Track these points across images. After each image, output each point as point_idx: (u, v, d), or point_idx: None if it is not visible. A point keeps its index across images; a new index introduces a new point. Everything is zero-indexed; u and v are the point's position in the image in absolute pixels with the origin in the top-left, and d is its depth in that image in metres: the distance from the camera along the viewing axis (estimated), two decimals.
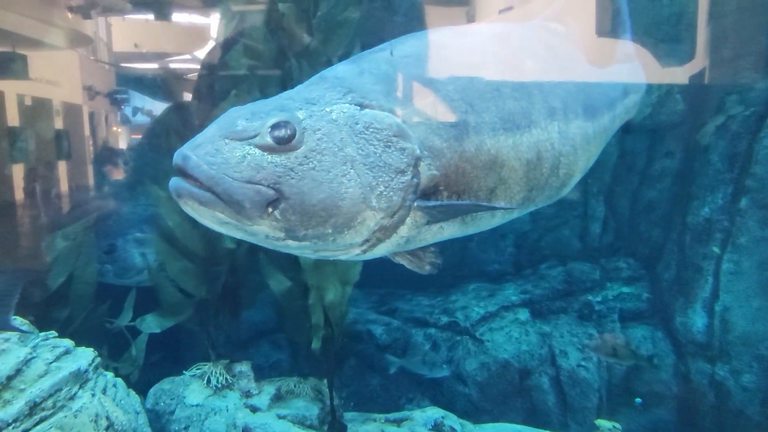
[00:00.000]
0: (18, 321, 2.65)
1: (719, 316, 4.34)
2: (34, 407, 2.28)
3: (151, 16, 5.13)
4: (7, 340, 2.55)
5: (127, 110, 5.95)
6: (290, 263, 4.07)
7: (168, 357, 4.37)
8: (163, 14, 4.99)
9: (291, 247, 1.90)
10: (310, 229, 1.82)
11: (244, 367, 4.02)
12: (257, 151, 1.77)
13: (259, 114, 1.82)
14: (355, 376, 5.13)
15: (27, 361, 2.42)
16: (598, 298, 5.02)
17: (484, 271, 5.76)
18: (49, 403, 2.35)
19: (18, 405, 2.24)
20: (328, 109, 1.89)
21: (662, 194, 5.20)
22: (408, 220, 2.00)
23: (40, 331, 2.86)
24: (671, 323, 4.69)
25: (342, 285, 3.95)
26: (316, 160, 1.80)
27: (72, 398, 2.44)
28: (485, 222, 2.33)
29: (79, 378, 2.55)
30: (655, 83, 4.59)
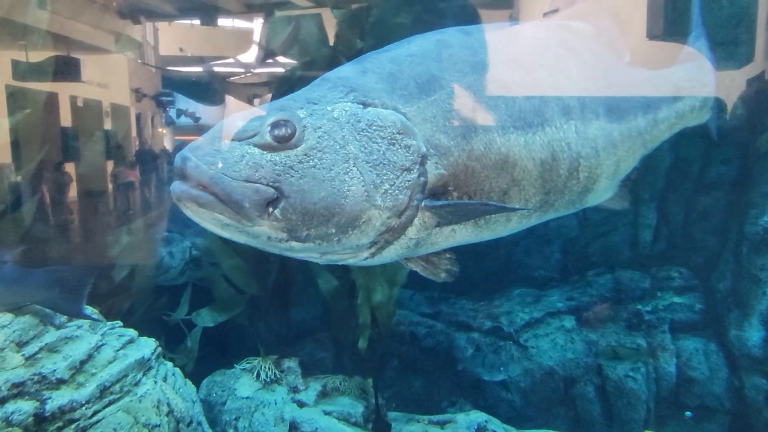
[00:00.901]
0: (89, 310, 2.83)
1: None
2: (104, 390, 2.45)
3: (197, 21, 5.32)
4: (79, 327, 2.74)
5: (172, 112, 6.17)
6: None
7: (217, 350, 4.54)
8: (208, 19, 5.17)
9: (295, 249, 1.86)
10: (313, 229, 1.79)
11: (292, 363, 4.14)
12: (256, 150, 1.76)
13: (257, 113, 1.82)
14: (398, 377, 5.18)
15: (97, 348, 2.60)
16: (648, 308, 4.90)
17: (530, 277, 5.71)
18: (117, 387, 2.51)
19: (90, 388, 2.41)
20: (329, 108, 1.87)
21: (718, 202, 5.03)
22: (416, 221, 1.96)
23: (106, 320, 3.05)
24: (725, 336, 4.53)
25: (390, 286, 4.01)
26: (317, 158, 1.78)
27: (137, 384, 2.60)
28: (501, 227, 2.25)
29: (143, 366, 2.71)
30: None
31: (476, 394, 4.95)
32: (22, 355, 2.42)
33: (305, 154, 1.77)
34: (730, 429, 4.34)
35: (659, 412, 4.49)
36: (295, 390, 4.00)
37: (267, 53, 4.22)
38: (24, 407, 2.28)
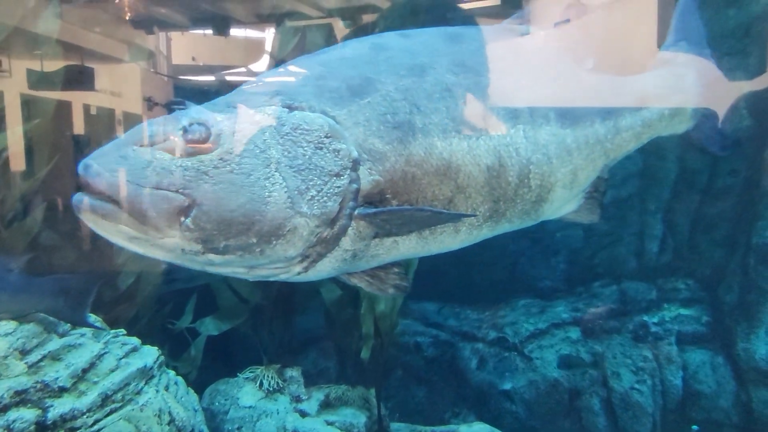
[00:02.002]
0: (92, 318, 2.85)
1: None
2: (105, 399, 2.46)
3: (209, 31, 5.38)
4: (82, 335, 2.76)
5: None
6: None
7: (221, 359, 4.55)
8: (220, 29, 5.22)
9: (216, 263, 1.72)
10: (232, 239, 1.65)
11: (294, 372, 4.13)
12: (166, 155, 1.63)
13: (171, 118, 1.71)
14: (401, 387, 5.17)
15: (100, 356, 2.61)
16: (655, 319, 4.86)
17: (535, 287, 5.68)
18: (119, 396, 2.52)
19: (92, 396, 2.43)
20: (251, 112, 1.77)
21: (725, 213, 4.99)
22: (351, 231, 1.85)
23: (110, 328, 3.07)
24: (733, 348, 4.48)
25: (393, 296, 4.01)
26: (234, 163, 1.66)
27: (139, 393, 2.61)
28: (449, 238, 2.15)
29: (145, 374, 2.72)
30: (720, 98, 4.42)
31: (480, 406, 4.92)
32: (25, 362, 2.44)
33: (221, 159, 1.66)
34: None
35: (665, 425, 4.45)
36: (297, 399, 3.99)
37: (278, 63, 4.26)
38: (26, 415, 2.29)
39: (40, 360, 2.51)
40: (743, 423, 4.27)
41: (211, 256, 1.68)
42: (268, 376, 4.00)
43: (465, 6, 4.50)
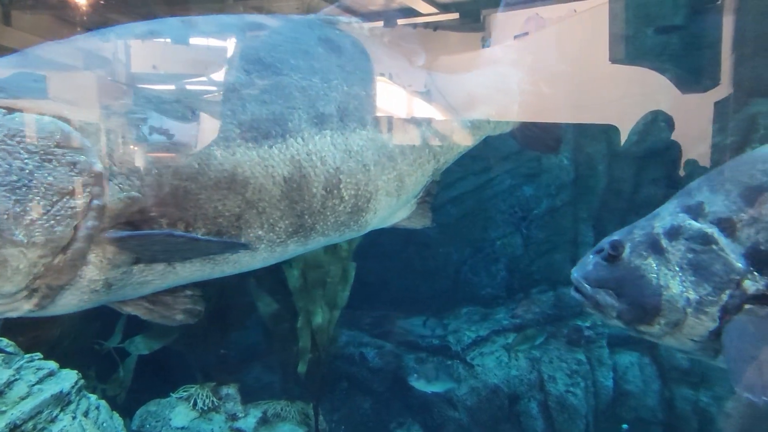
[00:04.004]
0: (3, 342, 2.70)
1: None
2: (14, 429, 2.32)
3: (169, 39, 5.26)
4: None
5: (144, 129, 6.03)
6: (279, 286, 4.12)
7: (159, 379, 4.40)
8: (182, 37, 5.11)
9: None
10: None
11: (230, 389, 4.04)
12: None
13: None
14: (347, 399, 5.13)
15: (9, 383, 2.46)
16: (587, 324, 5.03)
17: (477, 295, 5.79)
18: (30, 425, 2.38)
19: None
20: None
21: None
22: (94, 258, 1.58)
23: (28, 352, 2.91)
24: (656, 349, 4.71)
25: (330, 309, 4.00)
26: None
27: (53, 421, 2.48)
28: (245, 257, 1.93)
29: (61, 400, 2.59)
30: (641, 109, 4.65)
31: (424, 414, 4.95)
32: None
33: None
34: None
35: (598, 425, 4.60)
36: (233, 417, 3.90)
37: None
38: None
39: None
40: (667, 420, 4.47)
41: None
42: (202, 395, 3.89)
43: (424, 19, 4.56)
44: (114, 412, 3.19)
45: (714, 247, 1.68)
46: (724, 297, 1.64)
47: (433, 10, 4.12)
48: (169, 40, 1.88)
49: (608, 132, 5.26)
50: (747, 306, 1.60)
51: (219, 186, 1.74)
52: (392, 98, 2.31)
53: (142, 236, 1.62)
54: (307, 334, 3.90)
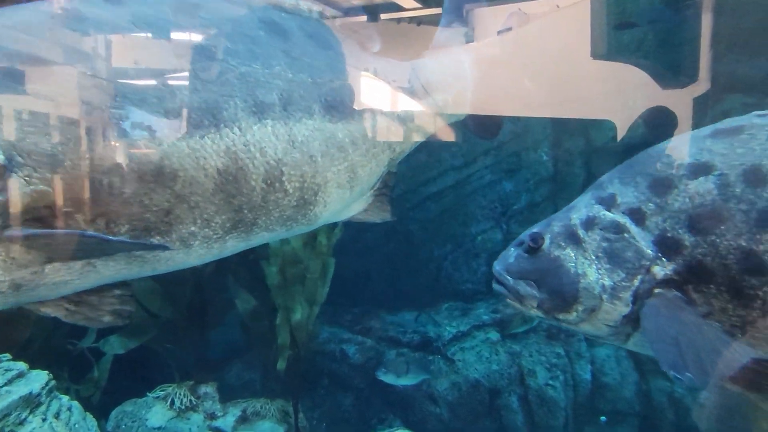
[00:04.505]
0: None
1: None
2: None
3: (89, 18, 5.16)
4: None
5: (126, 125, 5.91)
6: (257, 282, 4.07)
7: (136, 379, 4.32)
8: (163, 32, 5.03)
9: None
10: None
11: (209, 388, 3.99)
12: None
13: None
14: (327, 396, 5.11)
15: None
16: None
17: (458, 291, 5.80)
18: None
19: None
20: None
21: None
22: None
23: None
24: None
25: (309, 305, 3.96)
26: None
27: (21, 423, 2.41)
28: (179, 255, 1.81)
29: (30, 402, 2.52)
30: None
31: (405, 410, 4.95)
32: None
33: None
34: (640, 431, 4.55)
35: (577, 418, 4.65)
36: (212, 416, 3.85)
37: None
38: None
39: None
40: (644, 411, 4.55)
41: None
42: (179, 394, 3.83)
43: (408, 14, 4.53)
44: (87, 413, 3.12)
45: (626, 235, 1.76)
46: (636, 282, 1.72)
47: (417, 5, 4.11)
48: (90, 18, 1.69)
49: (587, 128, 5.30)
50: (657, 290, 1.69)
51: (144, 179, 1.63)
52: (342, 86, 2.16)
53: (46, 235, 1.50)
54: (286, 331, 3.86)
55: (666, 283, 1.69)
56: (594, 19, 3.67)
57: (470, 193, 5.59)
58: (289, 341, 3.86)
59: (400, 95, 2.41)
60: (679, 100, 4.54)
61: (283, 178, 1.91)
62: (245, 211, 1.85)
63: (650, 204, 1.75)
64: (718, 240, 1.60)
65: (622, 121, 5.03)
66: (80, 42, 1.61)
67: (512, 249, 2.05)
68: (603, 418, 4.60)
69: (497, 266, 2.04)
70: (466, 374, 4.85)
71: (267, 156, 1.86)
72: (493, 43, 2.98)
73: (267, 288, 3.93)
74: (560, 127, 5.37)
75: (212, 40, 1.87)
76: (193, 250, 1.83)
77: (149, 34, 1.75)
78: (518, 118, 5.31)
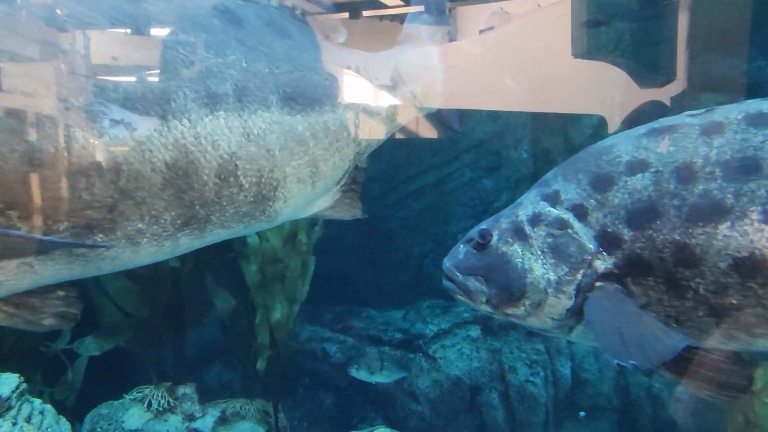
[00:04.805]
0: None
1: None
2: None
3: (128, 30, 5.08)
4: None
5: (105, 122, 5.79)
6: (236, 281, 4.02)
7: (112, 381, 4.24)
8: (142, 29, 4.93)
9: None
10: None
11: (187, 389, 3.93)
12: None
13: None
14: (309, 395, 5.08)
15: None
16: None
17: (439, 288, 5.79)
18: None
19: None
20: None
21: None
22: None
23: None
24: None
25: (289, 303, 3.93)
26: None
27: None
28: (127, 253, 1.73)
29: (0, 406, 2.45)
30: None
31: (387, 409, 4.94)
32: None
33: None
34: (619, 426, 4.62)
35: (557, 413, 4.69)
36: (191, 418, 3.79)
37: None
38: None
39: None
40: (622, 406, 4.61)
41: None
42: (157, 396, 3.76)
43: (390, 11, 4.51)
44: (61, 416, 3.04)
45: (570, 231, 1.80)
46: (579, 276, 1.76)
47: (399, 2, 4.10)
48: (28, 4, 1.60)
49: (566, 126, 5.35)
50: (598, 284, 1.75)
51: (83, 173, 1.54)
52: (302, 76, 2.06)
53: None
54: (266, 330, 3.82)
55: (607, 276, 1.73)
56: (573, 17, 3.70)
57: (451, 191, 5.60)
58: (269, 340, 3.82)
59: (366, 87, 2.33)
60: (657, 99, 4.61)
61: (238, 173, 1.83)
62: (197, 207, 1.77)
63: (592, 200, 1.80)
64: (654, 234, 1.65)
65: (607, 118, 5.08)
66: (14, 27, 1.51)
67: (461, 246, 2.07)
68: (582, 413, 4.65)
69: (447, 263, 2.07)
70: (447, 372, 4.86)
71: (220, 149, 1.77)
72: (473, 42, 2.98)
73: (246, 287, 3.89)
74: (539, 125, 5.42)
75: (161, 27, 1.79)
76: (141, 249, 1.75)
77: (92, 20, 1.66)
78: (498, 117, 5.33)
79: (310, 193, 2.13)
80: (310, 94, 2.04)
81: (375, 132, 2.34)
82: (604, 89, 3.93)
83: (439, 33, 2.79)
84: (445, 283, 2.09)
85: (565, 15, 3.52)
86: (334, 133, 2.12)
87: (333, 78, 2.16)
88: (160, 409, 3.74)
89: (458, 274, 2.00)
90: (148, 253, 1.79)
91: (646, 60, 4.70)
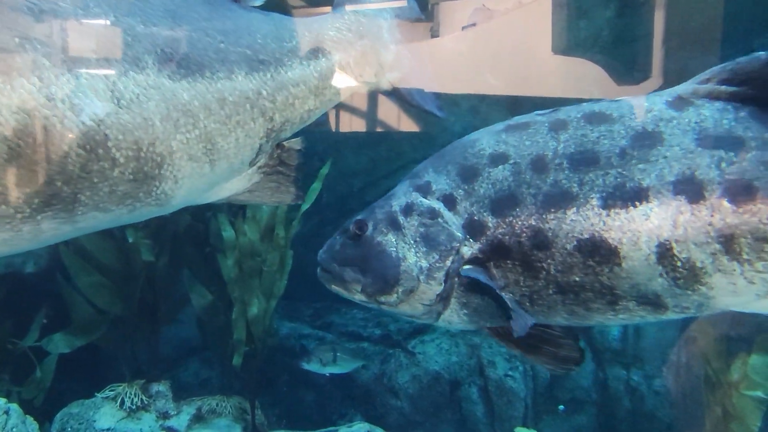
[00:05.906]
0: None
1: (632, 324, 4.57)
2: None
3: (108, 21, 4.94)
4: None
5: None
6: (213, 276, 3.95)
7: (84, 379, 4.14)
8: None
9: None
10: None
11: (161, 386, 3.84)
12: None
13: None
14: (289, 392, 5.03)
15: None
16: None
17: None
18: None
19: None
20: None
21: None
22: None
23: None
24: (590, 331, 4.89)
25: (266, 298, 3.87)
26: None
27: None
28: (28, 234, 1.53)
29: None
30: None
31: (367, 404, 4.92)
32: None
33: None
34: (598, 419, 4.67)
35: (536, 407, 4.72)
36: (165, 416, 3.72)
37: None
38: None
39: None
40: (601, 399, 4.66)
41: None
42: (130, 394, 3.68)
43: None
44: (28, 416, 2.96)
45: (440, 220, 1.92)
46: (448, 263, 1.89)
47: None
48: None
49: None
50: (465, 267, 1.91)
51: None
52: (189, 36, 1.81)
53: None
54: (243, 326, 3.76)
55: (472, 261, 1.88)
56: (554, 14, 3.72)
57: None
58: (246, 336, 3.76)
59: (278, 54, 2.03)
60: (633, 95, 4.64)
61: (109, 144, 1.57)
62: (59, 184, 1.52)
63: (460, 190, 1.93)
64: (514, 221, 1.81)
65: None
66: None
67: (338, 237, 2.12)
68: (561, 407, 4.69)
69: (323, 254, 2.11)
70: (426, 367, 4.85)
71: (82, 115, 1.52)
72: (480, 48, 2.97)
73: (223, 282, 3.82)
74: None
75: None
76: (44, 230, 1.54)
77: None
78: (478, 112, 5.33)
79: (209, 173, 1.88)
80: (197, 59, 1.80)
81: (294, 107, 2.08)
82: (582, 85, 3.97)
83: None
84: (321, 273, 2.10)
85: (545, 12, 3.53)
86: (232, 105, 1.88)
87: (232, 42, 1.91)
88: (133, 407, 3.66)
89: (335, 264, 2.04)
90: (1, 240, 1.52)
91: (623, 57, 4.74)
